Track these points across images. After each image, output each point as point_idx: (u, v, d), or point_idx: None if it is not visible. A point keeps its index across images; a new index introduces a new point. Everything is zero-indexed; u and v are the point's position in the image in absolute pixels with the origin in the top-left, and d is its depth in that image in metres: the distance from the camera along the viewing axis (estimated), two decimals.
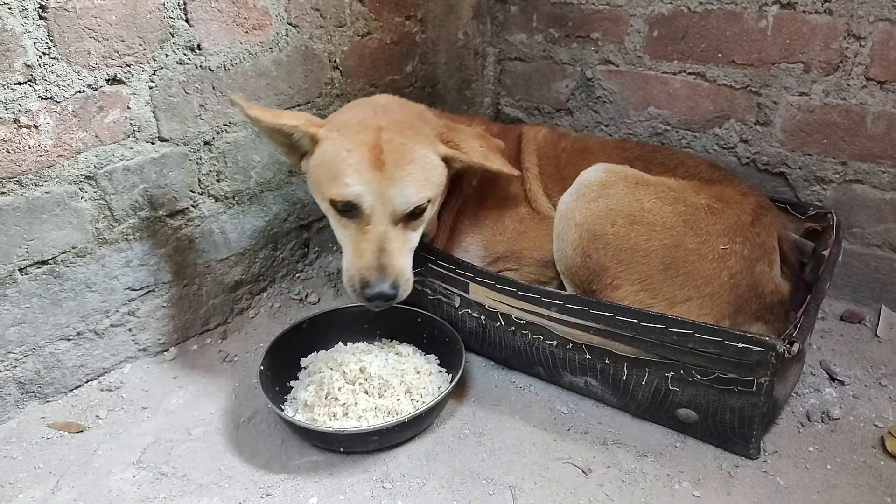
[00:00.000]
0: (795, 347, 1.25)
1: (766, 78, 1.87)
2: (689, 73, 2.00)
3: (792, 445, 1.43)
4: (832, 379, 1.62)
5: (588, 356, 1.47)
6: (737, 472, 1.36)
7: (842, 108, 1.77)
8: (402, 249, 1.45)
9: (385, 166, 1.40)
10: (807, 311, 1.37)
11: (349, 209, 1.43)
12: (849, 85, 1.74)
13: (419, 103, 1.72)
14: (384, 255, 1.41)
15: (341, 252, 1.52)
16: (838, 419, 1.49)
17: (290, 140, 1.50)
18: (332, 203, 1.45)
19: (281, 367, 1.58)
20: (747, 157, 1.98)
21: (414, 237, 1.50)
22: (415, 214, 1.45)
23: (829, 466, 1.38)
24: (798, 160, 1.89)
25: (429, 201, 1.47)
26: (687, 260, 1.44)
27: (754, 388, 1.30)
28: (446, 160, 1.51)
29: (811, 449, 1.42)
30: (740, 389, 1.31)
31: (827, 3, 1.71)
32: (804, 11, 1.75)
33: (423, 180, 1.44)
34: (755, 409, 1.32)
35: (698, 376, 1.34)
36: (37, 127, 1.38)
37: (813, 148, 1.85)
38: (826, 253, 1.56)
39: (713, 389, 1.34)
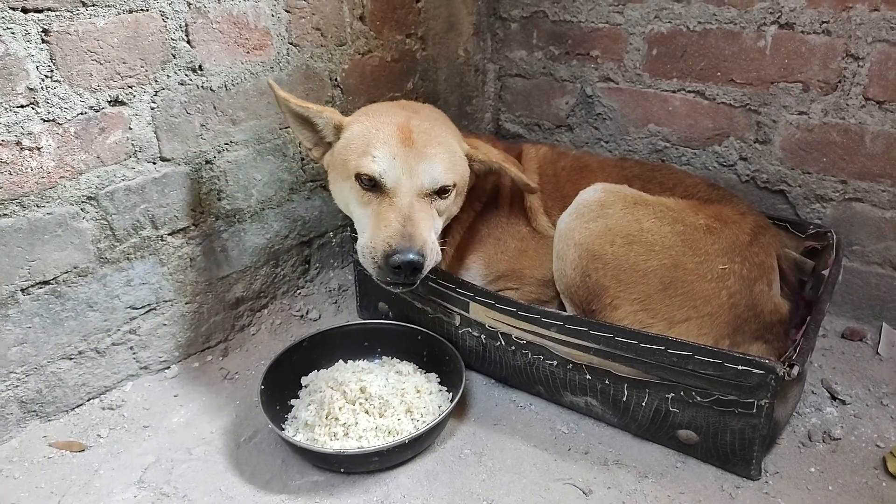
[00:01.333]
0: (795, 370, 1.25)
1: (765, 97, 1.87)
2: (689, 91, 2.01)
3: (793, 466, 1.43)
4: (833, 398, 1.62)
5: (588, 376, 1.47)
6: (738, 494, 1.36)
7: (841, 128, 1.78)
8: (428, 222, 1.46)
9: (414, 144, 1.46)
10: (807, 333, 1.38)
11: (374, 183, 1.46)
12: (847, 104, 1.75)
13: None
14: (410, 223, 1.40)
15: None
16: (840, 439, 1.49)
17: (315, 130, 1.58)
18: (358, 177, 1.47)
19: (282, 386, 1.58)
20: (747, 175, 1.99)
21: (438, 221, 1.53)
22: (440, 194, 1.49)
23: (830, 488, 1.37)
24: (798, 178, 1.90)
25: (454, 185, 1.51)
26: (686, 280, 1.44)
27: (755, 410, 1.30)
28: (468, 158, 1.59)
29: (812, 470, 1.42)
30: (740, 411, 1.31)
31: (825, 24, 1.72)
32: (803, 32, 1.76)
33: (449, 163, 1.51)
34: (755, 430, 1.32)
35: (698, 398, 1.34)
36: (39, 149, 1.39)
37: (812, 166, 1.86)
38: (826, 272, 1.56)
39: (713, 411, 1.34)
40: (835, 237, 1.65)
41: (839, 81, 1.74)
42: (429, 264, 1.42)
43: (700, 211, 1.54)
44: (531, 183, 1.66)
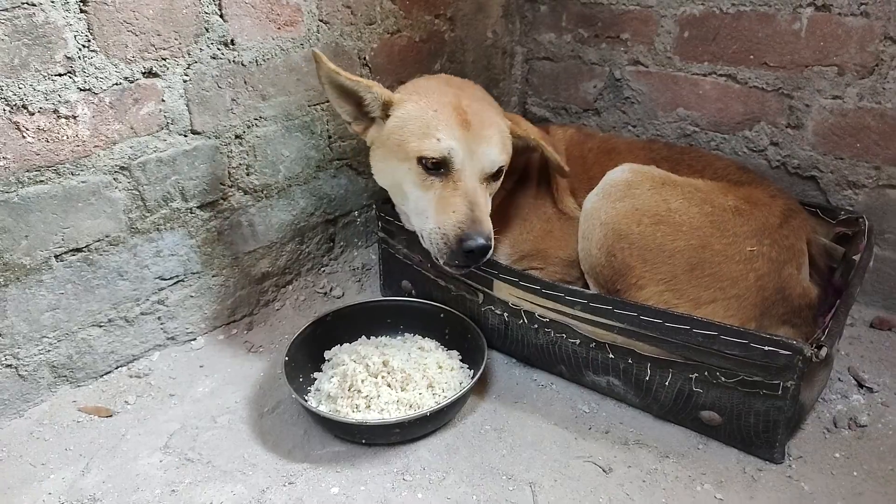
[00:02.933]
0: (823, 352, 1.23)
1: (798, 80, 1.84)
2: (720, 75, 1.99)
3: (817, 451, 1.41)
4: (860, 386, 1.59)
5: (611, 356, 1.46)
6: (760, 476, 1.35)
7: (876, 112, 1.74)
8: (488, 207, 1.51)
9: (472, 126, 1.47)
10: (836, 316, 1.36)
11: (439, 167, 1.46)
12: (884, 88, 1.71)
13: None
14: (477, 208, 1.43)
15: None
16: (866, 426, 1.47)
17: (359, 104, 1.55)
18: (421, 160, 1.47)
19: (305, 359, 1.60)
20: (777, 161, 1.96)
21: (489, 202, 1.55)
22: (495, 176, 1.52)
23: (855, 473, 1.36)
24: (830, 164, 1.86)
25: (503, 167, 1.54)
26: (713, 261, 1.43)
27: (780, 392, 1.28)
28: (511, 134, 1.58)
29: (837, 455, 1.40)
30: (765, 393, 1.30)
31: (863, 6, 1.68)
32: (840, 13, 1.72)
33: (503, 144, 1.53)
34: (780, 413, 1.31)
35: (723, 378, 1.33)
36: (75, 118, 1.41)
37: (845, 152, 1.83)
38: (857, 258, 1.53)
39: (738, 392, 1.33)
40: (867, 223, 1.62)
41: (876, 65, 1.71)
42: (491, 251, 1.47)
43: (729, 192, 1.52)
44: (564, 165, 1.65)
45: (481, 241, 1.39)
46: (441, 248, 1.45)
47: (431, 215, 1.47)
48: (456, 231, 1.41)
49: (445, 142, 1.44)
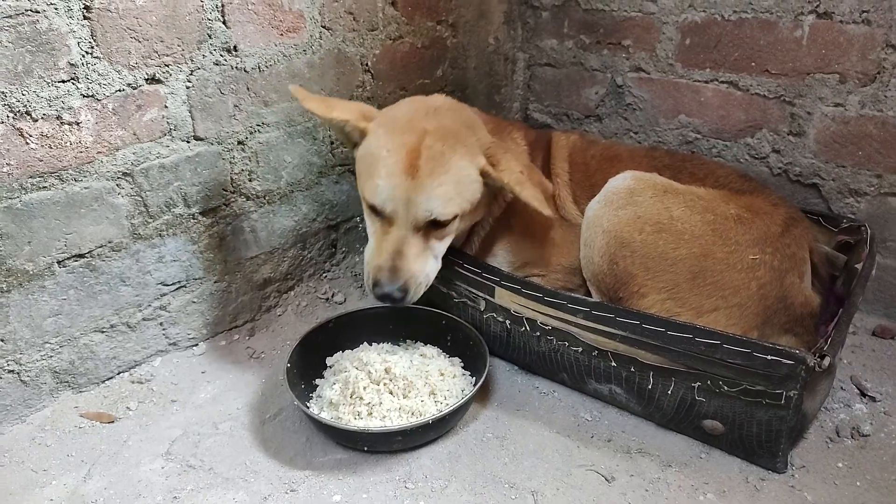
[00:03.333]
0: (826, 361, 1.23)
1: (800, 88, 1.85)
2: (722, 82, 1.99)
3: (820, 461, 1.41)
4: (863, 395, 1.59)
5: (613, 364, 1.46)
6: (763, 486, 1.35)
7: (878, 120, 1.74)
8: (420, 255, 1.46)
9: (419, 173, 1.42)
10: (838, 325, 1.36)
11: (376, 209, 1.47)
12: (886, 96, 1.71)
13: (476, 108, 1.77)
14: (399, 258, 1.44)
15: None
16: (869, 435, 1.47)
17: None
18: (363, 199, 1.50)
19: (307, 366, 1.60)
20: (779, 168, 1.96)
21: (439, 245, 1.51)
22: (439, 225, 1.46)
23: (858, 483, 1.35)
24: (831, 172, 1.86)
25: (455, 217, 1.47)
26: (715, 269, 1.43)
27: (783, 402, 1.28)
28: (483, 175, 1.50)
29: (840, 465, 1.40)
30: (768, 402, 1.30)
31: (865, 13, 1.69)
32: (841, 21, 1.73)
33: (453, 194, 1.44)
34: (783, 422, 1.31)
35: (725, 387, 1.33)
36: (78, 124, 1.42)
37: (847, 160, 1.83)
38: (859, 266, 1.54)
39: (740, 401, 1.33)
40: (869, 231, 1.62)
41: (878, 73, 1.71)
42: (413, 296, 1.48)
43: (731, 201, 1.53)
44: (546, 210, 1.50)
45: (389, 290, 1.43)
46: (365, 282, 1.50)
47: (368, 248, 1.52)
48: (373, 274, 1.46)
49: (381, 189, 1.43)
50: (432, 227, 1.46)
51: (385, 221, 1.47)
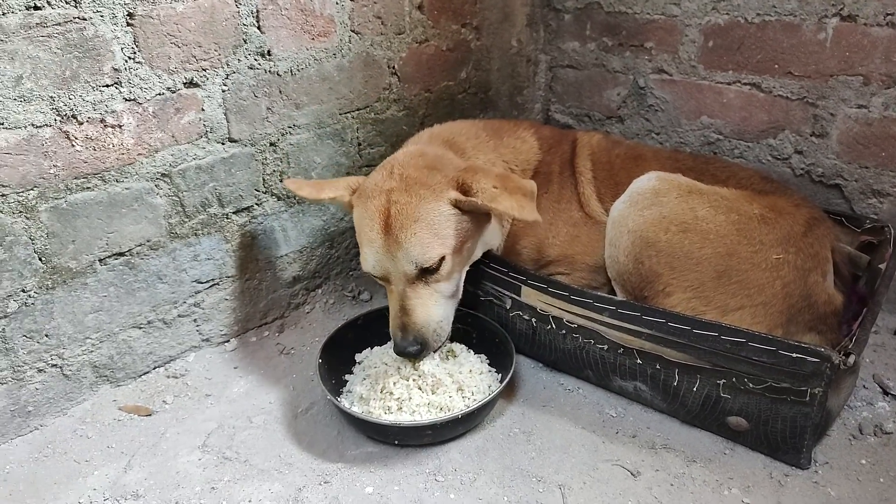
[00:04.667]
0: (851, 359, 1.25)
1: (823, 90, 1.86)
2: (744, 84, 2.01)
3: (843, 457, 1.43)
4: (885, 393, 1.60)
5: (639, 361, 1.49)
6: (787, 482, 1.37)
7: None
8: (426, 304, 1.48)
9: (392, 230, 1.44)
10: (863, 323, 1.37)
11: (372, 275, 1.52)
12: None
13: (469, 121, 1.80)
14: (404, 314, 1.47)
15: None
16: (892, 433, 1.48)
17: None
18: None
19: (337, 361, 1.64)
20: (801, 169, 1.97)
21: (443, 286, 1.50)
22: (429, 271, 1.47)
23: (881, 480, 1.37)
24: (854, 172, 1.88)
25: (443, 257, 1.47)
26: (740, 268, 1.45)
27: (807, 399, 1.31)
28: (458, 206, 1.48)
29: (863, 462, 1.42)
30: (793, 399, 1.32)
31: (889, 16, 1.70)
32: (865, 24, 1.74)
33: (429, 238, 1.44)
34: (807, 419, 1.33)
35: (750, 385, 1.35)
36: (120, 127, 1.47)
37: (870, 160, 1.84)
38: (882, 266, 1.55)
39: (765, 398, 1.35)
40: (892, 231, 1.63)
41: None
42: (434, 342, 1.51)
43: (754, 201, 1.55)
44: (526, 215, 1.43)
45: (407, 347, 1.47)
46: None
47: None
48: (392, 336, 1.51)
49: (368, 257, 1.49)
50: (426, 273, 1.47)
51: (386, 282, 1.52)
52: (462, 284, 1.59)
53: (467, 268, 1.61)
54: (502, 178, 1.49)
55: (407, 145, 1.72)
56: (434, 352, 1.53)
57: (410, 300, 1.47)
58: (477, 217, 1.53)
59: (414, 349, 1.47)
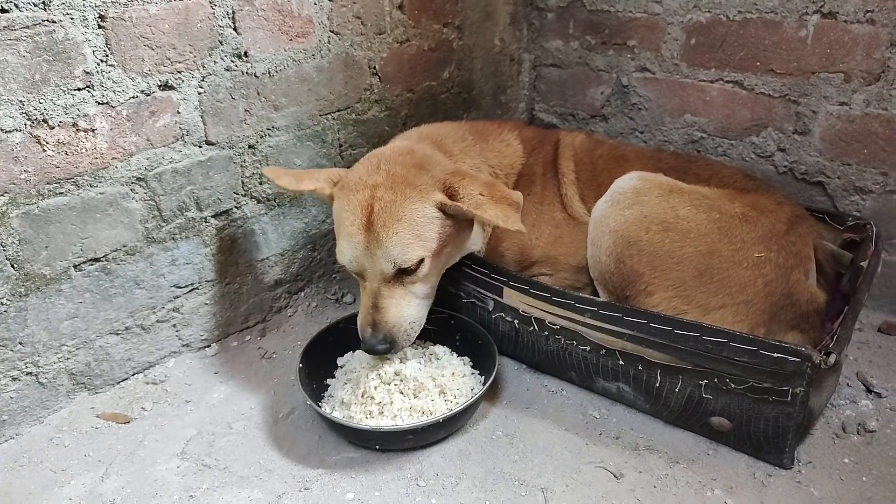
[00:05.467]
0: (832, 358, 1.24)
1: (805, 87, 1.86)
2: (727, 82, 2.00)
3: (827, 457, 1.42)
4: (869, 391, 1.60)
5: (621, 362, 1.48)
6: (770, 482, 1.36)
7: (883, 118, 1.75)
8: (399, 304, 1.47)
9: (373, 227, 1.42)
10: (844, 322, 1.37)
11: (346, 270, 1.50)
12: (891, 95, 1.72)
13: (454, 122, 1.78)
14: (376, 311, 1.46)
15: None
16: (875, 431, 1.48)
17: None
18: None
19: (318, 365, 1.62)
20: (784, 166, 1.97)
21: (417, 288, 1.49)
22: (409, 272, 1.46)
23: (864, 479, 1.37)
24: (837, 170, 1.88)
25: (422, 259, 1.45)
26: (721, 267, 1.44)
27: (789, 398, 1.30)
28: (443, 209, 1.46)
29: (846, 461, 1.41)
30: (775, 399, 1.31)
31: (869, 13, 1.70)
32: (846, 21, 1.74)
33: (410, 239, 1.43)
34: (790, 419, 1.32)
35: (732, 385, 1.35)
36: (93, 131, 1.44)
37: (852, 157, 1.84)
38: (864, 264, 1.55)
39: (747, 398, 1.35)
40: (874, 229, 1.63)
41: (882, 71, 1.72)
42: (402, 342, 1.50)
43: (736, 200, 1.54)
44: (511, 225, 1.42)
45: (374, 344, 1.46)
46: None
47: None
48: (361, 329, 1.49)
49: (345, 251, 1.47)
50: (403, 274, 1.46)
51: (360, 278, 1.50)
52: (436, 286, 1.58)
53: (443, 271, 1.60)
54: (489, 186, 1.48)
55: (395, 141, 1.70)
56: (397, 351, 1.52)
57: (384, 298, 1.46)
58: (459, 222, 1.52)
59: (382, 347, 1.47)
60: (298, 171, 1.62)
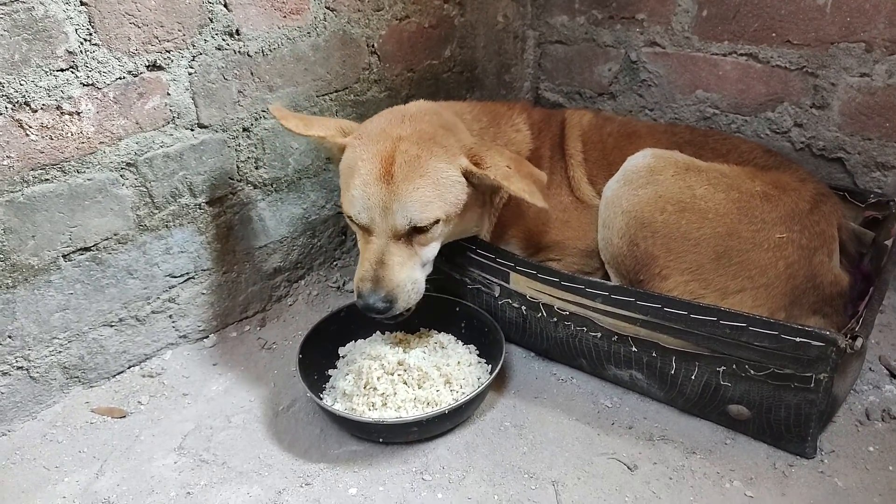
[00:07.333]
0: (858, 342, 1.18)
1: (823, 58, 1.77)
2: (741, 55, 1.92)
3: (850, 445, 1.36)
4: (893, 376, 1.54)
5: (634, 349, 1.42)
6: (791, 472, 1.31)
7: None
8: (406, 263, 1.40)
9: (393, 179, 1.36)
10: (870, 304, 1.30)
11: (353, 221, 1.43)
12: None
13: (465, 102, 1.70)
14: (382, 268, 1.38)
15: None
16: None
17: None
18: (344, 213, 1.46)
19: (319, 355, 1.57)
20: (802, 143, 1.89)
21: (425, 251, 1.44)
22: (421, 231, 1.40)
23: (890, 468, 1.31)
24: (857, 145, 1.80)
25: (438, 221, 1.40)
26: (741, 249, 1.38)
27: (812, 385, 1.24)
28: (467, 175, 1.43)
29: (871, 449, 1.35)
30: (797, 386, 1.25)
31: None
32: None
33: (432, 197, 1.38)
34: (812, 406, 1.26)
35: (752, 371, 1.28)
36: (79, 114, 1.38)
37: (874, 132, 1.76)
38: (889, 243, 1.48)
39: (768, 385, 1.28)
40: None
41: None
42: (402, 304, 1.41)
43: (756, 178, 1.47)
44: (539, 202, 1.40)
45: (375, 301, 1.37)
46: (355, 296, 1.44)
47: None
48: (357, 287, 1.40)
49: (356, 200, 1.39)
50: (415, 233, 1.40)
51: (366, 232, 1.43)
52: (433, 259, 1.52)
53: (442, 243, 1.52)
54: (516, 160, 1.44)
55: (412, 104, 1.61)
56: (395, 316, 1.44)
57: (391, 255, 1.39)
58: (475, 196, 1.47)
59: (382, 305, 1.38)
60: (307, 117, 1.55)
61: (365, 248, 1.42)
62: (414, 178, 1.36)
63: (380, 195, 1.37)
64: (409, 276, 1.41)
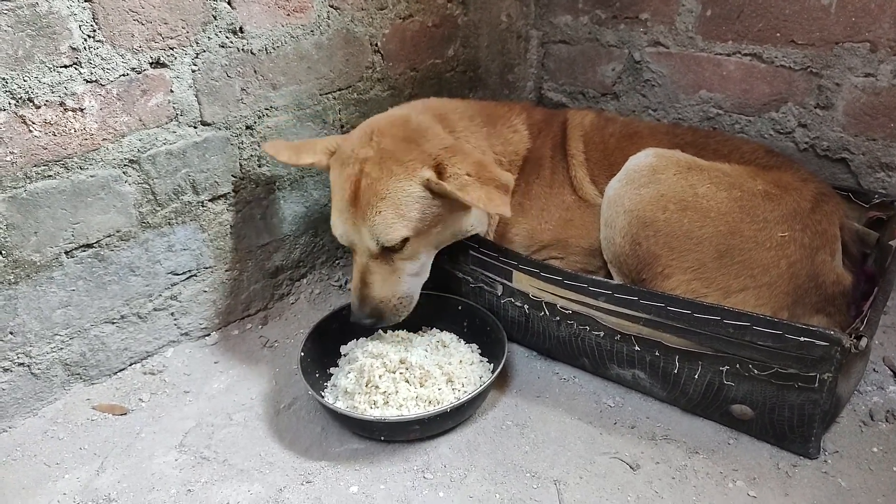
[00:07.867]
0: (863, 342, 1.17)
1: (828, 58, 1.77)
2: (745, 55, 1.91)
3: (854, 445, 1.35)
4: None
5: (637, 348, 1.41)
6: (795, 472, 1.30)
7: None
8: (388, 279, 1.47)
9: (359, 203, 1.42)
10: (874, 304, 1.30)
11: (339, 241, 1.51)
12: None
13: (464, 100, 1.72)
14: (364, 286, 1.47)
15: None
16: None
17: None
18: None
19: (321, 354, 1.57)
20: (806, 143, 1.89)
21: (409, 265, 1.48)
22: (393, 250, 1.44)
23: (894, 469, 1.30)
24: (861, 146, 1.79)
25: (406, 239, 1.43)
26: (743, 248, 1.37)
27: (816, 385, 1.23)
28: (430, 188, 1.42)
29: (875, 450, 1.34)
30: (801, 385, 1.24)
31: None
32: None
33: (393, 218, 1.41)
34: (816, 406, 1.25)
35: (755, 371, 1.28)
36: (82, 110, 1.38)
37: (878, 132, 1.75)
38: (893, 243, 1.47)
39: (771, 385, 1.28)
40: None
41: None
42: (392, 317, 1.50)
43: (758, 177, 1.46)
44: (495, 208, 1.36)
45: (361, 318, 1.48)
46: None
47: None
48: (352, 302, 1.50)
49: (336, 225, 1.49)
50: (389, 251, 1.45)
51: (352, 251, 1.50)
52: (429, 265, 1.56)
53: (437, 250, 1.56)
54: (479, 165, 1.42)
55: (396, 109, 1.64)
56: (384, 325, 1.53)
57: (372, 274, 1.46)
58: (451, 201, 1.45)
59: (368, 322, 1.48)
60: (297, 144, 1.58)
61: (354, 266, 1.50)
62: (375, 201, 1.41)
63: (352, 219, 1.44)
64: (393, 292, 1.48)
